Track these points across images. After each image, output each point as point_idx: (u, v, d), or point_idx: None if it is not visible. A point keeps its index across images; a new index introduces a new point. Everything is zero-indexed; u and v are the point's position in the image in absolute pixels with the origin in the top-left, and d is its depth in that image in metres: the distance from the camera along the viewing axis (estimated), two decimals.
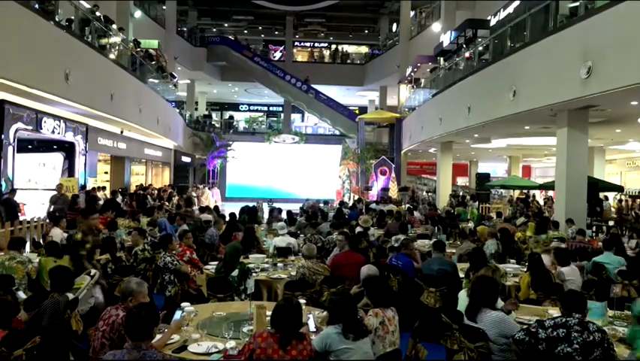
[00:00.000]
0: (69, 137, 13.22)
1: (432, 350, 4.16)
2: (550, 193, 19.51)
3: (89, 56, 11.51)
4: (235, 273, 5.35)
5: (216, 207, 12.15)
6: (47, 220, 10.37)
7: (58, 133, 12.53)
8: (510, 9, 14.29)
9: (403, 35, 24.95)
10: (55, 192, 11.49)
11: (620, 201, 17.70)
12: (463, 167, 29.02)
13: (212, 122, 29.58)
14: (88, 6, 12.63)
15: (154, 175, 22.58)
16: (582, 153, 10.04)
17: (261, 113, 36.41)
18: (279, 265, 6.53)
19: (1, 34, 7.99)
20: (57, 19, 10.16)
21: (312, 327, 4.01)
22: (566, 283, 5.51)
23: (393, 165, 21.65)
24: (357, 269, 6.05)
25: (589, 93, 8.02)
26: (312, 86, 27.45)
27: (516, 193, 20.64)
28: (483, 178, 20.26)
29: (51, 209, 10.93)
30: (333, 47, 34.05)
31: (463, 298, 4.60)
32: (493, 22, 15.64)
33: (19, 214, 10.74)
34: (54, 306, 4.12)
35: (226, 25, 33.43)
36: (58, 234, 7.62)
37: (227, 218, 10.44)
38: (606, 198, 17.11)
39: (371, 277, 4.47)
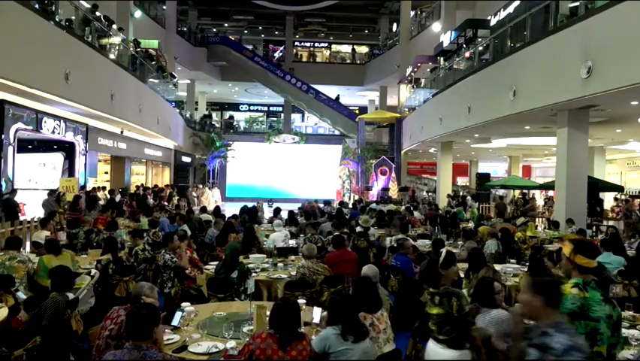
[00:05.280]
0: (69, 137, 13.22)
1: None
2: (550, 193, 19.51)
3: (89, 56, 11.51)
4: (235, 274, 5.35)
5: (217, 208, 12.03)
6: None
7: (59, 133, 12.53)
8: (510, 9, 14.29)
9: (403, 35, 24.95)
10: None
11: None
12: (463, 167, 29.03)
13: (213, 122, 29.62)
14: (88, 6, 12.63)
15: (154, 175, 22.60)
16: (582, 153, 10.04)
17: (261, 113, 36.42)
18: (279, 265, 6.53)
19: (2, 35, 7.99)
20: (57, 19, 10.16)
21: (316, 319, 4.01)
22: None
23: (394, 165, 21.66)
24: (350, 266, 6.07)
25: (589, 93, 8.02)
26: (312, 86, 27.49)
27: (516, 193, 20.64)
28: (483, 178, 20.26)
29: None
30: (334, 47, 34.10)
31: None
32: (493, 22, 15.64)
33: (19, 214, 10.76)
34: (54, 306, 4.12)
35: (226, 25, 33.44)
36: (42, 237, 7.42)
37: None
38: None
39: (362, 279, 4.28)
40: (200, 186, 23.28)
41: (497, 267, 6.29)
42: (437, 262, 5.55)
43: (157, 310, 3.12)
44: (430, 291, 3.70)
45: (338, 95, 29.14)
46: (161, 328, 3.63)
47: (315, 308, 4.28)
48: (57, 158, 14.25)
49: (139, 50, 16.28)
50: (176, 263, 5.86)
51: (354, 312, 3.51)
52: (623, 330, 4.05)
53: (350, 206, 16.45)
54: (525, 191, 19.52)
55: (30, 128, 11.20)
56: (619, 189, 15.68)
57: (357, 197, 20.77)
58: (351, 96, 31.80)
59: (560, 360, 2.25)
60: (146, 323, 2.90)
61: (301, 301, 4.57)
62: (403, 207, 14.54)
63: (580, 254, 2.87)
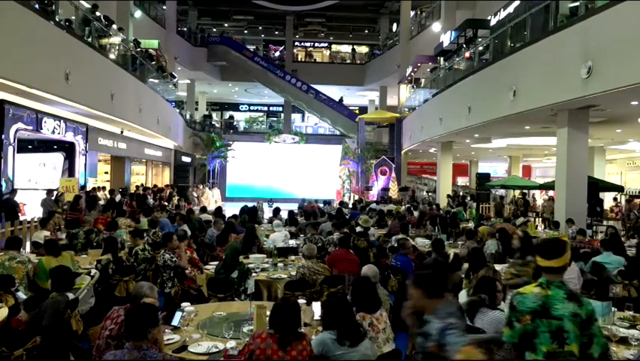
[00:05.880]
0: (69, 137, 13.22)
1: None
2: (551, 193, 19.49)
3: (89, 56, 11.51)
4: (235, 274, 5.35)
5: (219, 208, 11.92)
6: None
7: (59, 133, 12.53)
8: (510, 9, 14.29)
9: (403, 35, 24.95)
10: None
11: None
12: (463, 167, 29.02)
13: (213, 122, 29.62)
14: (88, 6, 12.64)
15: (154, 175, 22.59)
16: (582, 153, 10.04)
17: (261, 113, 36.43)
18: (279, 265, 6.53)
19: (2, 35, 7.99)
20: (57, 19, 10.16)
21: (316, 315, 4.01)
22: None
23: (394, 165, 21.67)
24: (352, 265, 6.07)
25: (589, 93, 8.02)
26: (312, 86, 27.50)
27: (516, 193, 20.63)
28: (483, 178, 20.24)
29: None
30: (334, 47, 34.10)
31: (463, 298, 4.59)
32: (493, 22, 15.64)
33: (19, 214, 10.75)
34: (54, 306, 4.12)
35: (226, 25, 33.45)
36: (42, 237, 7.45)
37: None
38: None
39: (361, 279, 4.24)
40: (201, 186, 23.28)
41: (497, 267, 6.29)
42: (439, 263, 5.57)
43: (156, 311, 3.12)
44: None
45: (342, 97, 29.26)
46: (161, 328, 3.64)
47: (315, 303, 4.31)
48: (57, 158, 14.24)
49: (139, 50, 16.28)
50: (176, 263, 5.87)
51: (350, 316, 3.45)
52: (623, 330, 4.06)
53: (350, 206, 16.45)
54: (525, 191, 19.52)
55: (30, 128, 11.19)
56: (619, 189, 15.68)
57: (357, 197, 20.77)
58: (352, 96, 31.82)
59: (438, 343, 2.33)
60: (144, 323, 2.90)
61: (301, 301, 4.57)
62: (403, 207, 14.54)
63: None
